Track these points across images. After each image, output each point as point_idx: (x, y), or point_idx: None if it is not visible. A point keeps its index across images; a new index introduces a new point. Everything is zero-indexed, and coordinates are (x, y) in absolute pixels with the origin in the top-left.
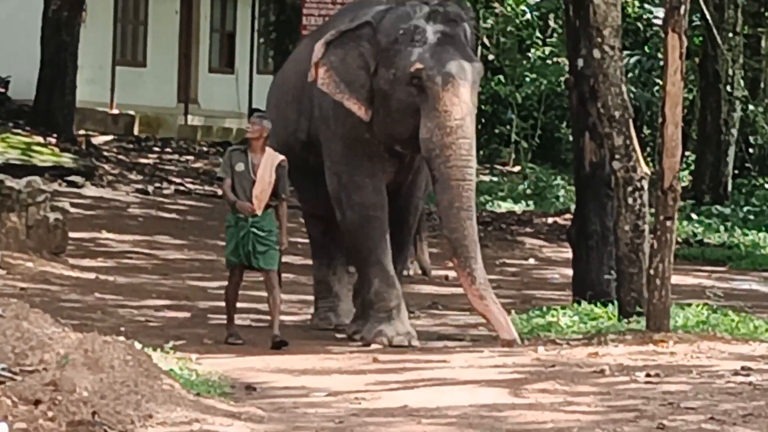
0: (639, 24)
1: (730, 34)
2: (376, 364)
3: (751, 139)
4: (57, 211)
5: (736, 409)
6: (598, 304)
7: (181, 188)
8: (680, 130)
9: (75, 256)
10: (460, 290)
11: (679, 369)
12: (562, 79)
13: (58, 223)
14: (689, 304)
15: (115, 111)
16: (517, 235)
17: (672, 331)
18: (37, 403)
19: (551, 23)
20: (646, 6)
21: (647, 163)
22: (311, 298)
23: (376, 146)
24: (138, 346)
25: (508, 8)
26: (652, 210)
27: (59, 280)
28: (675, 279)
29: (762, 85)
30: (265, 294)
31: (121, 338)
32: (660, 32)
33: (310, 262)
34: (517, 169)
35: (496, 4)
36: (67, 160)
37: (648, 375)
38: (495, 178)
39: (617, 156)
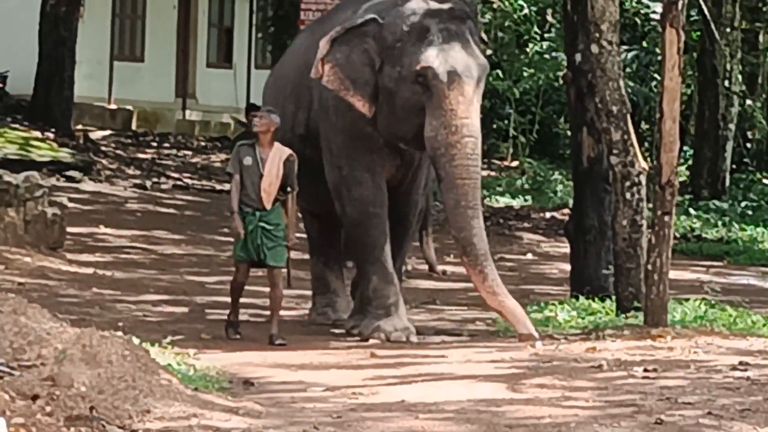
0: (637, 19)
1: (728, 29)
2: (374, 359)
3: (748, 134)
4: (55, 206)
5: (734, 404)
6: (596, 299)
7: (179, 183)
8: (678, 125)
9: (73, 251)
10: (457, 285)
11: (676, 364)
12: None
13: (56, 218)
14: (687, 299)
15: (113, 106)
16: (515, 230)
17: (670, 326)
18: (35, 398)
19: (549, 18)
20: (644, 1)
21: (645, 158)
22: (309, 293)
23: (377, 141)
24: (136, 341)
25: (506, 3)
26: (650, 205)
27: (57, 275)
28: (673, 274)
29: (760, 80)
30: (263, 289)
31: (119, 333)
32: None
33: (307, 257)
34: (515, 164)
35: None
36: (65, 155)
37: (646, 370)
38: (493, 173)
39: (615, 151)
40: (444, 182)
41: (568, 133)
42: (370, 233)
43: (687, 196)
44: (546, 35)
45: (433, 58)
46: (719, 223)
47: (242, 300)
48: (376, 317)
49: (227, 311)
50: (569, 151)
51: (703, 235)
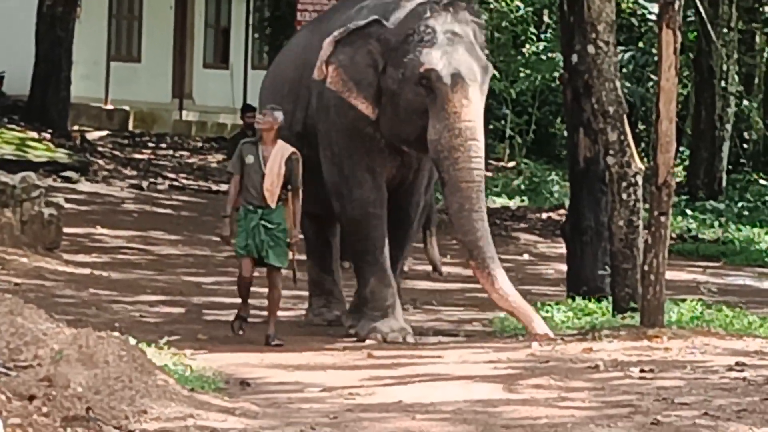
0: (633, 19)
1: (725, 30)
2: (371, 360)
3: (745, 134)
4: (51, 207)
5: (730, 404)
6: (593, 299)
7: (176, 184)
8: (674, 126)
9: (69, 251)
10: (454, 286)
11: (673, 364)
12: (557, 74)
13: (53, 218)
14: (683, 300)
15: (110, 106)
16: (511, 230)
17: (666, 327)
18: (31, 398)
19: (546, 19)
20: (641, 1)
21: (641, 159)
22: (306, 294)
23: (378, 142)
24: (132, 341)
25: (503, 4)
26: (647, 205)
27: (53, 276)
28: (669, 274)
29: (756, 80)
30: (261, 290)
31: (116, 334)
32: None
33: (303, 257)
34: (511, 164)
35: (490, 0)
36: (61, 155)
37: (642, 370)
38: (489, 174)
39: (611, 151)
40: (447, 185)
41: (565, 133)
42: (370, 234)
43: (683, 197)
44: (542, 36)
45: (436, 60)
46: (716, 223)
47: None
48: (373, 318)
49: (224, 312)
50: (566, 152)
51: (700, 236)
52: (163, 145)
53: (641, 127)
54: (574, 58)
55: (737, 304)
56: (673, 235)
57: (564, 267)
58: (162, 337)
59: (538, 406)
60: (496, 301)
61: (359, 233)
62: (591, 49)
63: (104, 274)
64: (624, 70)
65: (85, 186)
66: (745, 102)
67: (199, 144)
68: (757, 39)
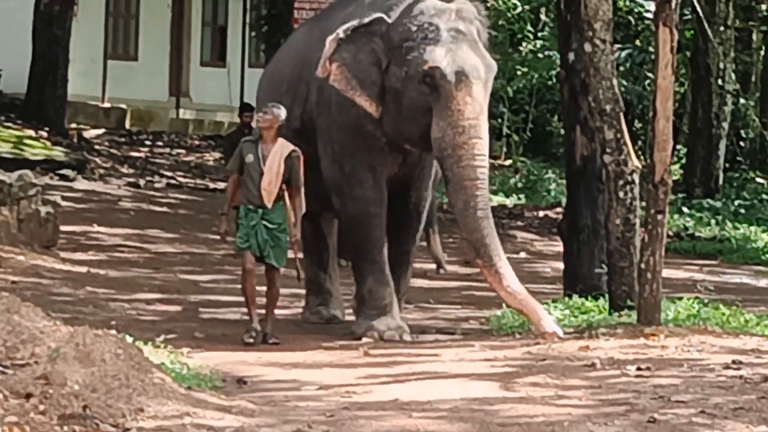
0: (630, 18)
1: (722, 28)
2: (367, 358)
3: (742, 132)
4: (48, 205)
5: (727, 402)
6: (589, 297)
7: (173, 182)
8: (671, 124)
9: (66, 249)
10: (451, 284)
11: (670, 362)
12: (554, 72)
13: (50, 216)
14: (680, 298)
15: (107, 104)
16: (508, 228)
17: (663, 325)
18: (28, 396)
19: (542, 17)
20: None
21: (638, 157)
22: (302, 292)
23: (378, 140)
24: (129, 339)
25: (500, 2)
26: (643, 203)
27: (50, 274)
28: (666, 272)
29: (753, 78)
30: (258, 288)
31: (113, 332)
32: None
33: (300, 255)
34: (508, 162)
35: None
36: (58, 153)
37: (639, 368)
38: None
39: (608, 150)
40: (452, 184)
41: (562, 131)
42: (369, 233)
43: (680, 195)
44: (539, 34)
45: (440, 58)
46: (712, 221)
47: (235, 298)
48: (370, 317)
49: (221, 310)
50: (562, 150)
51: (697, 234)
52: (160, 143)
53: (638, 125)
54: (571, 56)
55: (734, 302)
56: (670, 233)
57: (561, 265)
58: (159, 335)
59: (535, 404)
60: (505, 299)
61: (359, 232)
62: (588, 47)
63: (101, 272)
64: (621, 68)
65: (82, 184)
66: (742, 100)
67: (196, 142)
68: (754, 37)
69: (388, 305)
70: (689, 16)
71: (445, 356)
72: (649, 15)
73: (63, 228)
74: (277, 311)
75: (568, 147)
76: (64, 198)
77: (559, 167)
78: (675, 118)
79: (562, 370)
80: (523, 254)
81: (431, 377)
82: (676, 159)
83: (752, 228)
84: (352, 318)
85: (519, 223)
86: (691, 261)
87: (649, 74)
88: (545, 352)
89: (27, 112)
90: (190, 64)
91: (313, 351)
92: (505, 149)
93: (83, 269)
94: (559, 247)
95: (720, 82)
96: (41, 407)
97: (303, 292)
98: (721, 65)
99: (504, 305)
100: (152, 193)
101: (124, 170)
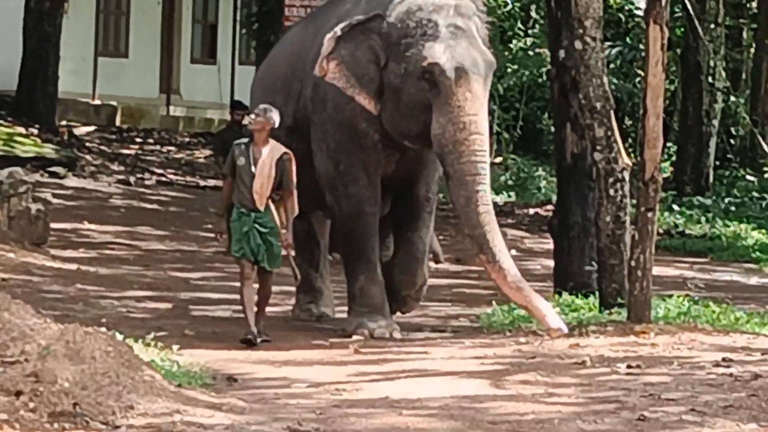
0: (621, 15)
1: (712, 26)
2: (358, 356)
3: (732, 130)
4: (39, 202)
5: (717, 400)
6: (580, 295)
7: (163, 179)
8: (662, 122)
9: (57, 247)
10: (441, 281)
11: (660, 360)
12: (544, 70)
13: (40, 214)
14: (670, 296)
15: (97, 102)
16: (498, 226)
17: (653, 323)
18: (18, 394)
19: (533, 14)
20: None
21: (629, 155)
22: (293, 289)
23: (371, 137)
24: (119, 337)
25: None
26: (634, 201)
27: (41, 271)
28: (656, 270)
29: (743, 76)
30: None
31: (103, 329)
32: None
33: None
34: (498, 160)
35: None
36: (49, 150)
37: (629, 366)
38: None
39: (598, 147)
40: (453, 180)
41: (552, 129)
42: (363, 232)
43: (670, 193)
44: (530, 31)
45: (439, 54)
46: (703, 219)
47: (225, 296)
48: (360, 315)
49: (211, 307)
50: (553, 148)
51: (687, 232)
52: (151, 141)
53: (628, 122)
54: (562, 53)
55: (724, 299)
56: (660, 231)
57: (551, 263)
58: (149, 333)
59: (525, 402)
60: (509, 295)
61: (352, 230)
62: (578, 44)
63: (91, 269)
64: (611, 65)
65: (72, 181)
66: (732, 98)
67: (187, 139)
68: (744, 35)
69: (378, 303)
70: (679, 14)
71: (435, 354)
72: (640, 12)
73: (53, 225)
74: (267, 309)
75: (559, 144)
76: (54, 195)
77: (549, 165)
78: (665, 116)
79: (552, 368)
80: (513, 252)
81: (421, 375)
82: (666, 156)
83: (742, 225)
84: (343, 316)
85: (509, 220)
86: (681, 259)
87: (640, 72)
88: (535, 349)
89: (17, 110)
90: (181, 62)
91: (303, 349)
92: (495, 147)
93: (73, 266)
94: (549, 244)
95: (710, 79)
96: (31, 405)
97: (293, 289)
98: (712, 63)
99: (494, 302)
100: (142, 190)
101: (115, 167)
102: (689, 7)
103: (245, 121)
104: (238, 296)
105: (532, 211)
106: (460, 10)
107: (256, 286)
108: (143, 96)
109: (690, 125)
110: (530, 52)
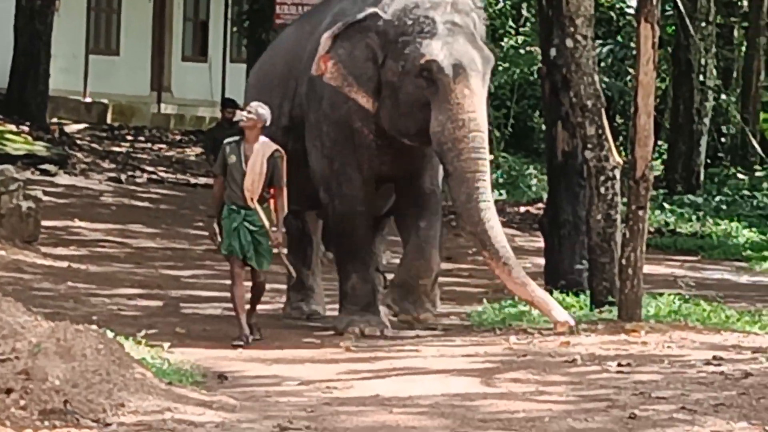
0: (612, 13)
1: (703, 24)
2: (348, 354)
3: (723, 128)
4: (30, 200)
5: (708, 398)
6: (570, 293)
7: (154, 177)
8: (653, 120)
9: (47, 244)
10: None
11: (650, 359)
12: (535, 68)
13: (31, 211)
14: (661, 294)
15: (89, 99)
16: None
17: (644, 321)
18: (8, 391)
19: (524, 12)
20: None
21: (619, 153)
22: (284, 287)
23: (366, 136)
24: (110, 334)
25: None
26: (624, 199)
27: (31, 269)
28: (647, 268)
29: (734, 74)
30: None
31: (94, 327)
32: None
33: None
34: (489, 158)
35: None
36: (40, 148)
37: (620, 365)
38: None
39: (589, 145)
40: (453, 177)
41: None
42: (356, 231)
43: (661, 191)
44: (521, 29)
45: (437, 51)
46: (693, 217)
47: (216, 294)
48: (351, 312)
49: (202, 305)
50: (544, 146)
51: (678, 230)
52: (142, 138)
53: (619, 121)
54: (553, 51)
55: (715, 298)
56: (651, 229)
57: (542, 261)
58: (140, 331)
59: (516, 400)
60: (514, 291)
61: (346, 229)
62: (569, 42)
63: (82, 267)
64: (602, 64)
65: (63, 179)
66: (723, 96)
67: (178, 137)
68: (735, 33)
69: (370, 301)
70: (671, 12)
71: (425, 352)
72: (631, 11)
73: (44, 223)
74: (258, 306)
75: (550, 143)
76: (45, 193)
77: (540, 163)
78: (656, 114)
79: (542, 366)
80: None
81: (412, 373)
82: (657, 155)
83: (733, 224)
84: (334, 314)
85: (500, 218)
86: (672, 257)
87: (631, 70)
88: (526, 347)
89: (8, 107)
90: (172, 59)
91: (294, 347)
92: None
93: (64, 264)
94: (540, 242)
95: (701, 78)
96: (22, 402)
97: (283, 287)
98: (703, 61)
99: (484, 300)
100: (133, 188)
101: (106, 165)
102: (680, 5)
103: (236, 119)
104: (228, 294)
105: (523, 209)
106: (458, 7)
107: (248, 284)
108: (134, 94)
109: (681, 123)
110: (521, 50)
